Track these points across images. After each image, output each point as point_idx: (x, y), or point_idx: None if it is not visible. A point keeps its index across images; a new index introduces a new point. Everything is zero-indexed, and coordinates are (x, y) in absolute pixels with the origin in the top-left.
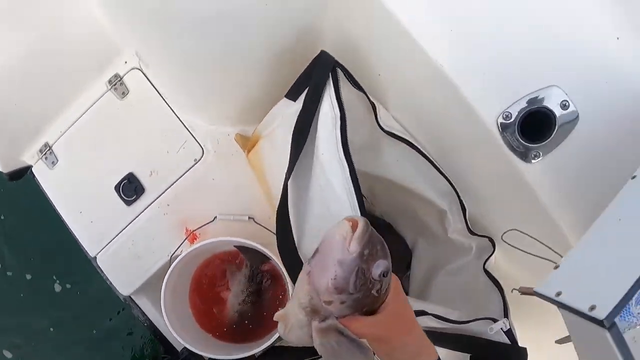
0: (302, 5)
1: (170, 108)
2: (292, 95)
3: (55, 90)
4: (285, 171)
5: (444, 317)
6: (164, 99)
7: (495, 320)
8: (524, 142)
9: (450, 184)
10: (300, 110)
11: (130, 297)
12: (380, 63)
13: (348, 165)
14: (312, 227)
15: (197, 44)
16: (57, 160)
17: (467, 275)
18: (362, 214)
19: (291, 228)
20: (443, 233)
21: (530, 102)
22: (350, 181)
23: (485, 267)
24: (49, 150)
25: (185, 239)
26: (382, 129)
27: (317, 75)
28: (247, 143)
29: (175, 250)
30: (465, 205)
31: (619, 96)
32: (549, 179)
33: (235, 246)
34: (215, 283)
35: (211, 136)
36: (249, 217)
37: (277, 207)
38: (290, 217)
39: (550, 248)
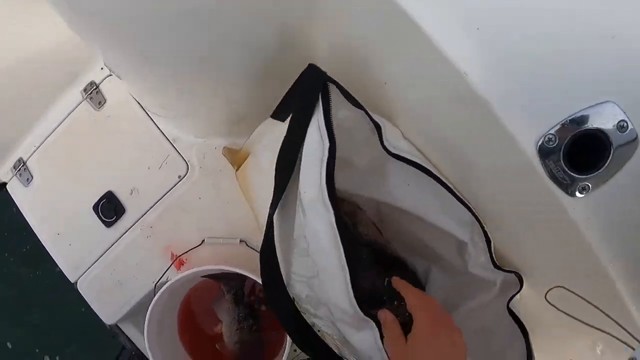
0: (285, 4)
1: (151, 119)
2: (279, 115)
3: (27, 101)
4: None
5: None
6: (144, 109)
7: None
8: (570, 172)
9: (473, 213)
10: (285, 137)
11: (117, 325)
12: (386, 69)
13: (334, 210)
14: (296, 271)
15: (171, 47)
16: (32, 177)
17: (487, 315)
18: (350, 273)
19: (279, 266)
20: (462, 266)
21: (578, 122)
22: (336, 228)
23: (510, 306)
24: (23, 166)
25: (171, 264)
26: (388, 151)
27: (303, 96)
28: (237, 158)
29: (160, 278)
30: (490, 237)
31: None
32: (601, 217)
33: (203, 276)
34: (202, 315)
35: (196, 150)
36: (241, 240)
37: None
38: (278, 255)
39: (604, 313)
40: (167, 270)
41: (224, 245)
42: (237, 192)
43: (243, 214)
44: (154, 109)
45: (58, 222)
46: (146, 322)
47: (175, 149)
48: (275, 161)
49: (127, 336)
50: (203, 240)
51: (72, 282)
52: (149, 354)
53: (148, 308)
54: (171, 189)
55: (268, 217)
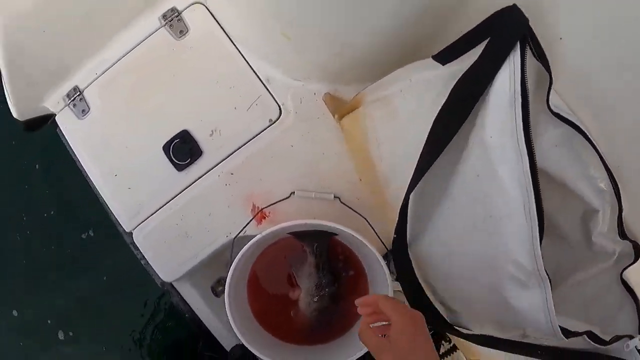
0: None
1: (241, 54)
2: (442, 56)
3: (93, 21)
4: (415, 150)
5: (599, 336)
6: (232, 42)
7: (631, 337)
8: None
9: (614, 181)
10: (465, 78)
11: (171, 284)
12: (569, 23)
13: (528, 155)
14: (441, 225)
15: None
16: (89, 109)
17: (599, 284)
18: (539, 219)
19: (407, 222)
20: (581, 235)
21: None
22: (530, 176)
23: (622, 276)
24: (78, 95)
25: (253, 218)
26: (550, 109)
27: (500, 37)
28: (341, 106)
29: (240, 232)
30: (623, 207)
31: None
32: None
33: (290, 233)
34: (273, 279)
35: (293, 93)
36: (335, 196)
37: (390, 191)
38: (409, 208)
39: None
40: (248, 223)
41: (315, 200)
42: (334, 144)
43: (339, 168)
44: (251, 41)
45: (117, 161)
46: (227, 282)
47: (268, 90)
48: (417, 105)
49: (181, 297)
50: (292, 193)
51: (128, 231)
52: (230, 320)
53: (230, 266)
54: (259, 133)
55: (417, 170)
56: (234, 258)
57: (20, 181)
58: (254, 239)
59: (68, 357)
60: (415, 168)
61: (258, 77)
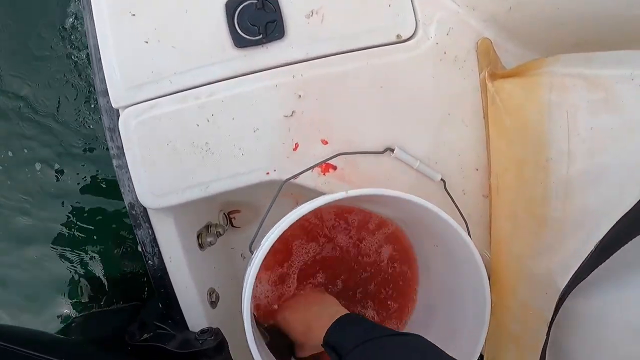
0: None
1: None
2: None
3: None
4: None
5: None
6: None
7: None
8: None
9: None
10: None
11: (145, 210)
12: None
13: None
14: None
15: None
16: None
17: None
18: None
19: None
20: None
21: None
22: None
23: None
24: None
25: (323, 162)
26: None
27: None
28: (495, 64)
29: (297, 175)
30: None
31: None
32: None
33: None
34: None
35: (442, 17)
36: (442, 179)
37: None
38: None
39: None
40: (312, 167)
41: (413, 172)
42: (469, 108)
43: (461, 141)
44: None
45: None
46: (260, 252)
47: None
48: None
49: (153, 234)
50: (389, 150)
51: (115, 106)
52: (248, 282)
53: (260, 223)
54: (377, 46)
55: None
56: (270, 210)
57: None
58: (329, 198)
59: None
60: None
61: None
